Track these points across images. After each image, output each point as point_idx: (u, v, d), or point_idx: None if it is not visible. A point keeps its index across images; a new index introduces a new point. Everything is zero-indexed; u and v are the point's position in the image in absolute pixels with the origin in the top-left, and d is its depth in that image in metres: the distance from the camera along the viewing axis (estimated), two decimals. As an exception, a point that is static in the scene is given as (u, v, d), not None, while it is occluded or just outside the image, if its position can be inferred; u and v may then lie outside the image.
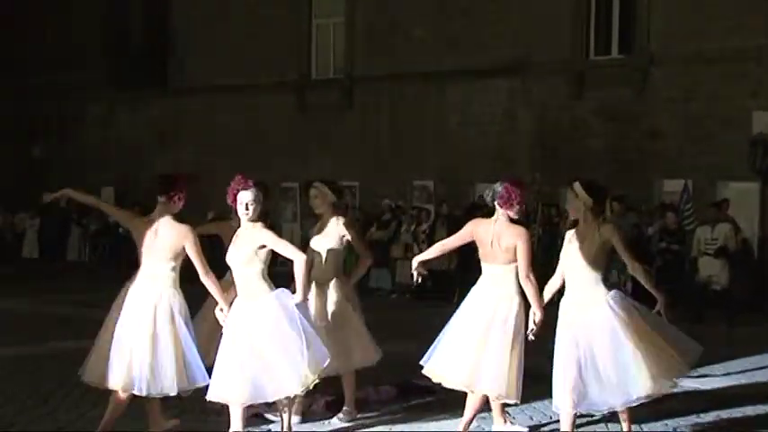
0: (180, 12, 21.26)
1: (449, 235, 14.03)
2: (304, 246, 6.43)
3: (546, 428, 6.41)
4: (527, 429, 6.26)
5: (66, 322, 11.35)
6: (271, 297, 5.58)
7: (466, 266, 13.30)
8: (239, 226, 5.70)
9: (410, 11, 17.98)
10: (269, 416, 6.32)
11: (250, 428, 5.99)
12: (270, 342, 5.50)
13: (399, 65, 17.98)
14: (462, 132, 17.32)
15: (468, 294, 6.02)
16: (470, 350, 5.76)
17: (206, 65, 20.34)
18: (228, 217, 6.45)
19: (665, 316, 5.77)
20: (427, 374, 5.97)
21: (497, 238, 5.80)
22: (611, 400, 5.56)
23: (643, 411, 6.81)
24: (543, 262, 10.76)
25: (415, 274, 6.06)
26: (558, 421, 5.94)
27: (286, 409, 5.81)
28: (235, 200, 5.62)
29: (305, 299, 5.75)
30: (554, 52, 16.34)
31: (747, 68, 14.69)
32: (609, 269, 12.89)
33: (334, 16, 19.47)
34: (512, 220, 5.87)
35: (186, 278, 5.85)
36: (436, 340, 5.97)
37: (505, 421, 6.19)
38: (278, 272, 6.00)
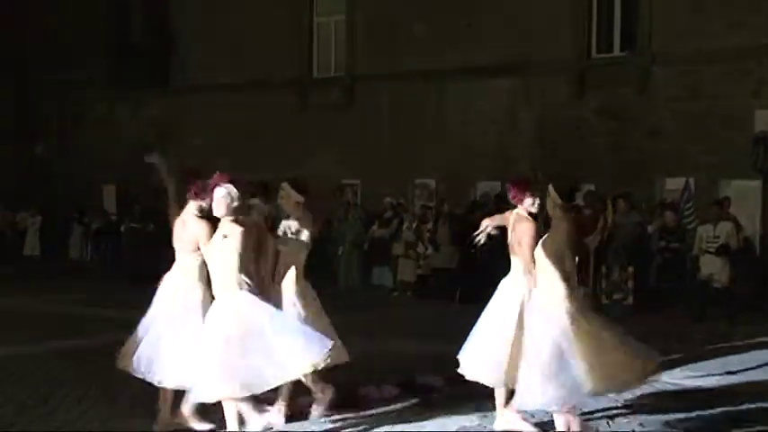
0: (180, 10, 21.24)
1: (451, 233, 14.23)
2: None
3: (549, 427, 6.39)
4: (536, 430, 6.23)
5: (67, 321, 11.35)
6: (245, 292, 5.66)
7: (467, 265, 13.32)
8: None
9: (411, 9, 17.95)
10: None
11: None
12: (264, 329, 5.54)
13: (400, 63, 17.96)
14: (463, 131, 17.30)
15: (498, 287, 6.19)
16: (499, 346, 5.85)
17: (207, 63, 20.32)
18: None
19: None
20: (461, 372, 5.99)
21: (511, 231, 6.08)
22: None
23: (645, 409, 6.81)
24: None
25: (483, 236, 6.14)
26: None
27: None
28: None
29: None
30: (555, 51, 16.32)
31: (749, 67, 14.66)
32: (611, 266, 12.95)
33: (335, 14, 19.45)
34: (530, 214, 6.07)
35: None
36: (469, 336, 6.11)
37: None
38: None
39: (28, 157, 23.20)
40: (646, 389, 7.44)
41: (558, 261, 5.68)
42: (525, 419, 6.07)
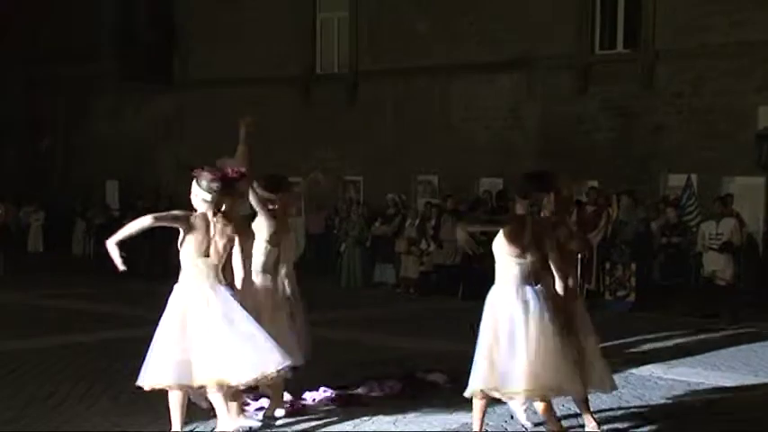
0: (185, 6, 21.25)
1: (453, 230, 14.18)
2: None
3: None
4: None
5: (69, 317, 11.38)
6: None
7: (470, 262, 13.32)
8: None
9: (414, 5, 17.94)
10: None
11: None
12: (243, 321, 5.58)
13: (404, 60, 17.94)
14: (467, 127, 17.29)
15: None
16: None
17: (211, 59, 20.34)
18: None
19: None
20: None
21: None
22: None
23: (647, 405, 6.82)
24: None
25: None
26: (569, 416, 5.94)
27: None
28: None
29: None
30: (559, 47, 16.30)
31: (753, 64, 14.64)
32: (614, 263, 12.95)
33: (338, 11, 19.44)
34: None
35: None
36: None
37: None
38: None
39: (32, 152, 23.24)
40: (648, 385, 7.47)
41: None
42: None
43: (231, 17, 20.06)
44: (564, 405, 6.42)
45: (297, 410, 6.45)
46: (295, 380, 6.33)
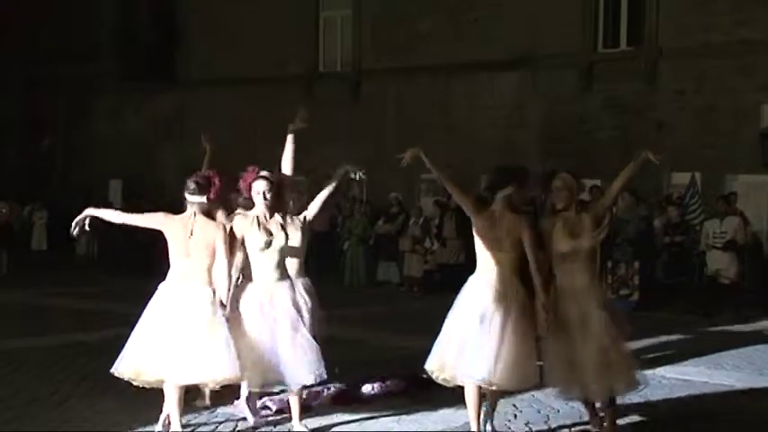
0: (186, 4, 21.25)
1: (457, 228, 14.21)
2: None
3: (553, 423, 6.39)
4: None
5: (73, 315, 11.38)
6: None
7: (474, 260, 13.29)
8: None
9: (417, 4, 17.93)
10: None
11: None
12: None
13: (407, 58, 17.93)
14: (470, 125, 17.27)
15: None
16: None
17: (213, 58, 20.33)
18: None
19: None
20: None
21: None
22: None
23: (651, 403, 6.81)
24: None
25: None
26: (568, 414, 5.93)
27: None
28: (250, 189, 5.93)
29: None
30: (562, 45, 16.28)
31: (756, 61, 14.61)
32: (617, 261, 12.92)
33: (341, 9, 19.43)
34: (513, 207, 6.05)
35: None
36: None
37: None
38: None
39: (34, 152, 23.25)
40: (652, 384, 7.45)
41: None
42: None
43: (233, 15, 20.05)
44: (573, 407, 6.41)
45: (302, 408, 6.43)
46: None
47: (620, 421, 6.21)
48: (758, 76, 14.60)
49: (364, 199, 17.61)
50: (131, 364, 5.66)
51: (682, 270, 12.59)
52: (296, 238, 6.01)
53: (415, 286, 14.91)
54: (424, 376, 7.29)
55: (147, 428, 5.95)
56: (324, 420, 6.23)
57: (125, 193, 21.52)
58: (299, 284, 6.29)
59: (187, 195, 5.79)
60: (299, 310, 5.91)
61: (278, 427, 6.11)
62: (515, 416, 6.47)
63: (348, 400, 6.71)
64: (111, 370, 5.72)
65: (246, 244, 5.88)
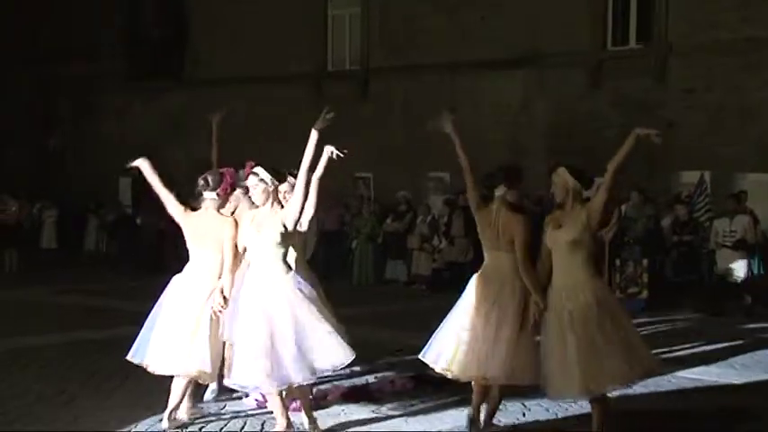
0: (194, 3, 21.26)
1: (465, 226, 14.20)
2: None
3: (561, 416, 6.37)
4: None
5: (82, 313, 11.41)
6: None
7: (481, 259, 13.27)
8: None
9: (426, 2, 17.90)
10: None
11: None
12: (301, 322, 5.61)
13: (415, 56, 17.91)
14: (478, 123, 17.19)
15: None
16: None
17: (221, 56, 20.34)
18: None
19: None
20: None
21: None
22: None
23: (657, 405, 6.78)
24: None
25: None
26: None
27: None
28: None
29: None
30: (571, 43, 16.23)
31: (766, 58, 14.53)
32: (625, 260, 12.86)
33: (350, 7, 19.41)
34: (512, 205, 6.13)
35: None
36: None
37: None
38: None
39: (44, 149, 23.31)
40: (661, 383, 7.42)
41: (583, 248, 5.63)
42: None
43: (240, 13, 20.06)
44: (582, 405, 6.39)
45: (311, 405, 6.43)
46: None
47: (629, 422, 6.19)
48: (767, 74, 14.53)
49: (372, 197, 17.61)
50: (146, 353, 5.84)
51: (691, 269, 12.54)
52: (272, 232, 5.80)
53: (424, 284, 14.90)
54: (433, 374, 7.30)
55: (154, 425, 5.96)
56: (332, 420, 6.23)
57: (134, 191, 21.57)
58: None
59: (200, 191, 6.02)
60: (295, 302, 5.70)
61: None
62: (524, 414, 6.46)
63: (357, 398, 6.72)
64: (128, 357, 5.93)
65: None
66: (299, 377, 5.51)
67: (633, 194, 13.17)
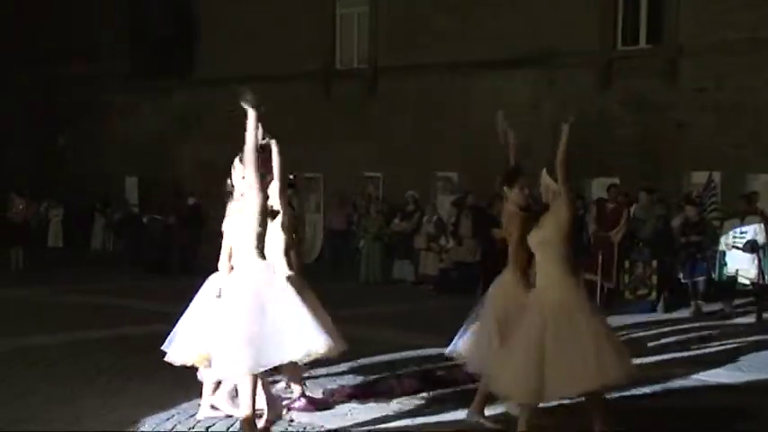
0: (202, 1, 21.32)
1: (474, 226, 14.21)
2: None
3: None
4: None
5: (89, 312, 11.46)
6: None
7: (489, 259, 13.29)
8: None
9: (435, 0, 17.92)
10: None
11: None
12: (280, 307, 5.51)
13: (424, 55, 17.91)
14: (487, 123, 17.13)
15: None
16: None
17: (230, 55, 20.37)
18: None
19: None
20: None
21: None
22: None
23: (666, 406, 6.79)
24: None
25: None
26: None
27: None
28: None
29: None
30: (581, 42, 16.22)
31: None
32: (634, 261, 12.79)
33: (358, 6, 19.43)
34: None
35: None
36: None
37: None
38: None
39: (51, 148, 23.41)
40: (669, 385, 7.44)
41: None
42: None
43: (248, 12, 20.09)
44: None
45: (318, 405, 6.47)
46: (314, 376, 6.38)
47: (638, 423, 6.21)
48: (780, 73, 14.51)
49: (380, 197, 17.64)
50: (186, 351, 5.88)
51: (701, 270, 12.51)
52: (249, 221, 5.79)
53: (431, 284, 14.91)
54: (440, 373, 7.31)
55: (160, 425, 6.00)
56: (339, 420, 6.26)
57: (141, 190, 21.67)
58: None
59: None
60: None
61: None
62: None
63: (364, 397, 6.74)
64: (167, 358, 5.97)
65: None
66: (264, 361, 5.36)
67: (641, 195, 13.16)
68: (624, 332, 9.92)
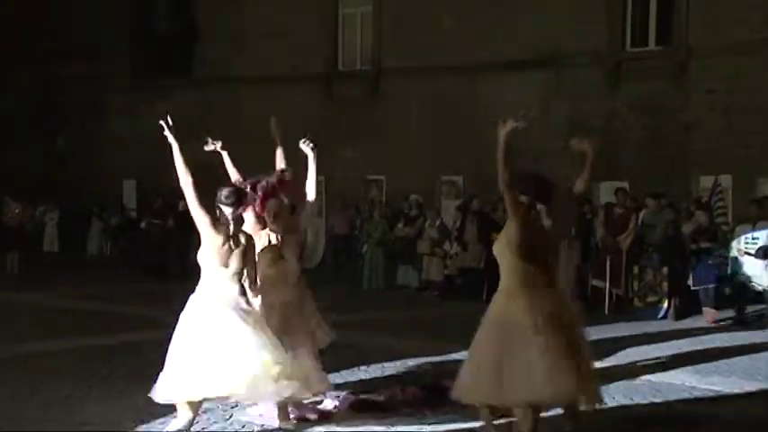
0: (204, 1, 21.33)
1: (479, 231, 14.17)
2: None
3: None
4: None
5: (85, 318, 11.45)
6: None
7: (495, 265, 13.25)
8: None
9: (440, 1, 17.92)
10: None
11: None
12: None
13: (428, 56, 17.92)
14: (493, 126, 17.21)
15: None
16: None
17: (231, 55, 20.40)
18: None
19: None
20: None
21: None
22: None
23: (678, 414, 6.76)
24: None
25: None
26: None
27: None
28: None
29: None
30: (589, 43, 16.22)
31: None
32: (644, 267, 12.76)
33: (361, 5, 19.45)
34: None
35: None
36: None
37: None
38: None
39: (47, 151, 23.42)
40: (680, 393, 7.40)
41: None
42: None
43: (251, 11, 20.12)
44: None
45: (321, 416, 6.45)
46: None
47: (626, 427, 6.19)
48: (792, 75, 14.49)
49: (383, 200, 17.61)
50: (178, 388, 5.64)
51: (711, 276, 12.46)
52: None
53: (435, 291, 14.87)
54: (444, 383, 7.28)
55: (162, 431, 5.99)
56: (341, 428, 6.24)
57: (139, 194, 21.65)
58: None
59: (221, 206, 5.91)
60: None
61: None
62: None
63: (367, 409, 6.72)
64: (153, 396, 5.69)
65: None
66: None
67: (648, 200, 13.12)
68: (633, 340, 9.88)
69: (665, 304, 12.48)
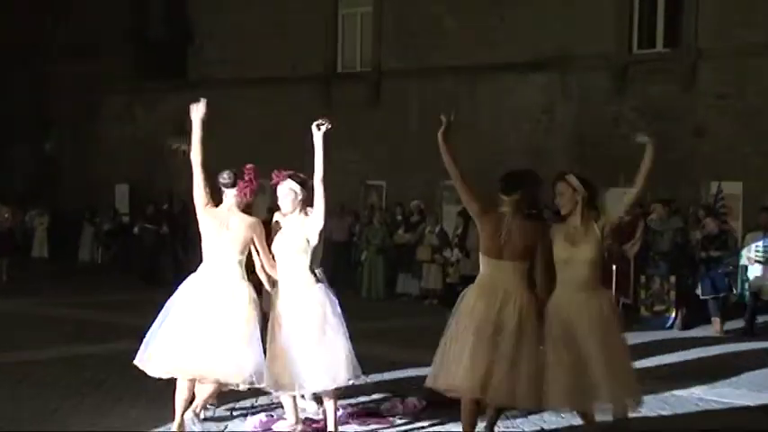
0: (200, 2, 21.35)
1: (478, 237, 14.10)
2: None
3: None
4: None
5: (76, 326, 11.43)
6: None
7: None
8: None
9: (441, 1, 17.93)
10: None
11: None
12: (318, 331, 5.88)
13: (430, 58, 17.93)
14: (496, 130, 17.23)
15: None
16: None
17: (227, 57, 20.41)
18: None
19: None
20: None
21: None
22: None
23: (685, 427, 6.74)
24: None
25: None
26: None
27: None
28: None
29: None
30: (595, 46, 16.23)
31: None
32: (651, 275, 12.76)
33: (361, 6, 19.46)
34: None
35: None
36: None
37: None
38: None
39: (39, 154, 23.43)
40: (688, 405, 7.39)
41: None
42: None
43: (248, 12, 20.13)
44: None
45: (317, 429, 6.45)
46: (315, 396, 6.38)
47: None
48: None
49: (383, 206, 17.59)
50: (162, 361, 5.81)
51: (721, 285, 12.45)
52: (300, 241, 6.29)
53: (435, 299, 14.84)
54: (445, 393, 7.28)
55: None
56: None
57: (132, 198, 21.64)
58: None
59: (222, 188, 6.15)
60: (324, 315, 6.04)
61: None
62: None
63: (367, 419, 6.71)
64: (136, 362, 5.88)
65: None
66: (314, 386, 5.88)
67: (656, 207, 13.11)
68: (640, 350, 9.86)
69: (673, 314, 12.48)
